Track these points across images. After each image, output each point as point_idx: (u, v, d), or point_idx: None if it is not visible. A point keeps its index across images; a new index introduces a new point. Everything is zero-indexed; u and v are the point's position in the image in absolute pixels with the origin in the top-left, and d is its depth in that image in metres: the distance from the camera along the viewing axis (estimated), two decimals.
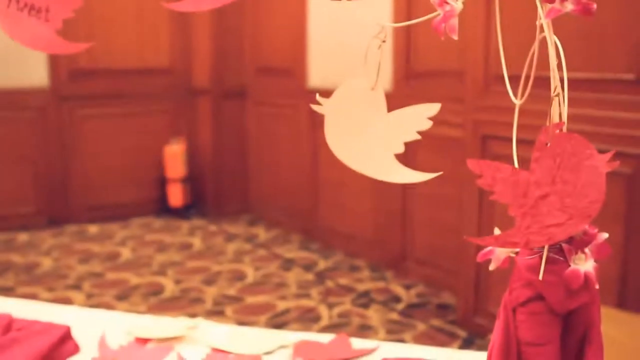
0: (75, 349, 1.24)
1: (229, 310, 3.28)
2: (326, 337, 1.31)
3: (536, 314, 0.82)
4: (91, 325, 1.34)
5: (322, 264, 4.02)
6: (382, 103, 0.90)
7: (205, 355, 1.23)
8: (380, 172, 0.91)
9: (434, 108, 0.89)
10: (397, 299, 3.54)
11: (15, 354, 1.14)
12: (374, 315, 3.32)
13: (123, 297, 3.45)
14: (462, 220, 3.12)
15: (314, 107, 0.89)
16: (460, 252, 3.16)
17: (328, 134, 0.90)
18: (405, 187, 3.71)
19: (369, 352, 1.24)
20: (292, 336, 1.30)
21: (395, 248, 3.87)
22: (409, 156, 3.48)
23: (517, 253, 0.85)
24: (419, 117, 0.89)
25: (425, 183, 3.07)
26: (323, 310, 3.34)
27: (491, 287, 3.03)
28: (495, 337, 0.85)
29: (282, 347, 1.26)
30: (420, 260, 3.78)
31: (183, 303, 3.37)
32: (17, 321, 1.27)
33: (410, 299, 3.54)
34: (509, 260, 0.86)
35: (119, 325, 1.34)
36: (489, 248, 0.87)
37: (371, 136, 0.90)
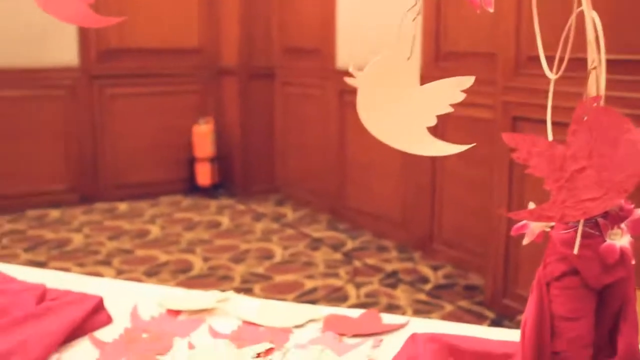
0: (108, 319, 1.26)
1: (257, 288, 3.30)
2: (356, 312, 1.31)
3: (570, 288, 0.81)
4: (123, 297, 1.35)
5: (349, 244, 4.03)
6: (416, 75, 0.90)
7: (236, 327, 1.24)
8: (412, 145, 0.90)
9: (467, 81, 0.88)
10: (425, 280, 3.53)
11: (49, 322, 1.16)
12: (401, 295, 3.32)
13: (152, 273, 3.49)
14: (491, 202, 3.11)
15: (347, 79, 0.89)
16: (489, 234, 3.14)
17: (360, 107, 0.89)
18: (434, 168, 3.70)
19: (398, 327, 1.24)
20: (322, 310, 1.31)
21: (422, 229, 3.86)
22: (438, 137, 3.43)
23: (551, 227, 0.84)
24: (453, 89, 0.88)
25: (454, 164, 3.06)
26: (351, 290, 3.35)
27: (520, 268, 3.01)
28: (529, 311, 0.84)
29: (312, 320, 1.26)
30: (447, 242, 3.77)
31: (211, 280, 3.39)
32: (50, 291, 1.29)
33: (437, 280, 3.53)
34: (543, 234, 0.86)
35: (150, 297, 1.36)
36: (523, 222, 0.86)
37: (404, 109, 0.89)
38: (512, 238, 3.00)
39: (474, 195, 3.53)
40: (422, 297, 3.34)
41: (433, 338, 1.10)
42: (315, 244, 4.03)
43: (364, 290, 3.38)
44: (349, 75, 0.87)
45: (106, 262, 3.66)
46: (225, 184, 5.11)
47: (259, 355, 1.12)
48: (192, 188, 5.05)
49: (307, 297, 3.22)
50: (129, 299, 1.34)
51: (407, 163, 3.85)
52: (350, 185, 4.39)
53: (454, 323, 1.31)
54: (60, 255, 3.78)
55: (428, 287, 3.47)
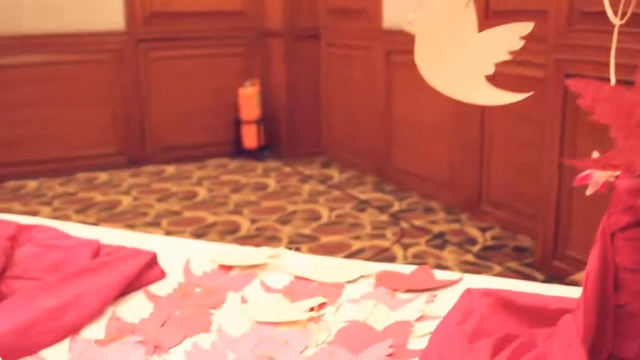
0: (161, 274, 1.27)
1: (304, 248, 3.31)
2: (408, 268, 1.30)
3: (635, 240, 0.79)
4: (175, 253, 1.36)
5: (396, 206, 4.01)
6: (474, 22, 0.87)
7: (288, 283, 1.24)
8: (470, 94, 0.88)
9: (526, 27, 0.85)
10: (473, 241, 3.50)
11: (104, 277, 1.18)
12: (449, 256, 3.30)
13: (200, 234, 3.52)
14: (541, 162, 3.05)
15: (404, 26, 0.86)
16: (539, 194, 3.09)
17: (417, 55, 0.87)
18: (483, 128, 3.64)
19: (452, 283, 1.22)
20: (373, 266, 1.30)
21: (470, 190, 3.82)
22: None
23: (616, 177, 0.81)
24: (511, 36, 0.86)
25: (503, 124, 2.99)
26: (398, 251, 3.34)
27: (572, 229, 2.96)
28: (592, 263, 0.82)
29: (364, 276, 1.26)
30: (496, 203, 3.72)
31: (259, 241, 3.41)
32: (105, 247, 1.30)
33: (485, 241, 3.49)
34: (608, 185, 0.83)
35: (202, 254, 1.36)
36: (587, 172, 0.83)
37: (462, 57, 0.87)
38: (563, 198, 2.95)
39: (523, 156, 3.47)
40: (470, 258, 3.31)
41: (488, 293, 1.09)
42: (362, 205, 4.02)
43: (411, 251, 3.36)
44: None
45: (155, 224, 3.71)
46: (271, 147, 5.12)
47: (312, 309, 1.11)
48: (238, 151, 5.06)
49: (354, 258, 3.22)
50: (181, 255, 1.35)
51: (456, 123, 3.80)
52: (396, 146, 4.36)
53: (508, 279, 1.29)
54: (110, 217, 3.84)
55: (476, 248, 3.44)
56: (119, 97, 4.78)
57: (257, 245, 1.46)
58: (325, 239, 3.48)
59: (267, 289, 1.23)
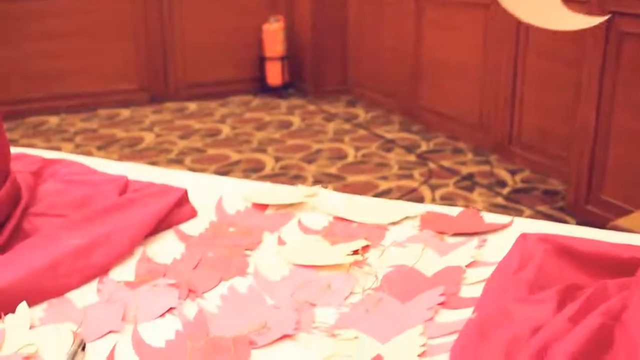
0: (193, 213, 1.20)
1: (329, 188, 3.24)
2: (454, 210, 1.22)
3: None
4: (206, 191, 1.29)
5: (423, 146, 3.91)
6: None
7: (326, 223, 1.17)
8: (549, 20, 0.78)
9: None
10: (502, 184, 3.41)
11: (132, 214, 1.11)
12: (478, 198, 3.22)
13: (224, 172, 3.46)
14: (577, 105, 2.93)
15: None
16: (574, 137, 2.98)
17: None
18: (515, 68, 3.51)
19: (502, 227, 1.14)
20: (417, 207, 1.22)
21: (500, 132, 3.71)
22: (521, 36, 3.20)
23: None
24: None
25: (537, 64, 2.84)
26: (426, 191, 3.26)
27: (607, 173, 2.86)
28: None
29: (408, 218, 1.18)
30: (526, 145, 3.61)
31: (284, 179, 3.35)
32: (132, 182, 1.23)
33: (515, 184, 3.40)
34: None
35: (234, 191, 1.29)
36: None
37: None
38: (600, 141, 2.84)
39: (556, 97, 3.35)
40: (500, 200, 3.23)
41: (545, 238, 1.00)
42: (388, 145, 3.93)
43: (439, 192, 3.28)
44: None
45: (178, 161, 3.65)
46: (296, 84, 5.01)
47: (354, 252, 1.04)
48: (262, 88, 4.96)
49: (382, 198, 3.15)
50: (212, 193, 1.28)
51: (487, 62, 3.67)
52: (425, 86, 4.23)
53: (562, 224, 1.21)
54: (132, 153, 3.78)
55: (506, 191, 3.36)
56: (142, 32, 4.67)
57: (282, 184, 1.38)
58: (351, 179, 3.40)
59: (305, 229, 1.15)
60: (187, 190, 1.20)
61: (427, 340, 0.83)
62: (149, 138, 4.04)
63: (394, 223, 1.16)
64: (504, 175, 3.52)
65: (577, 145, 2.95)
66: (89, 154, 3.70)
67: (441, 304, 0.91)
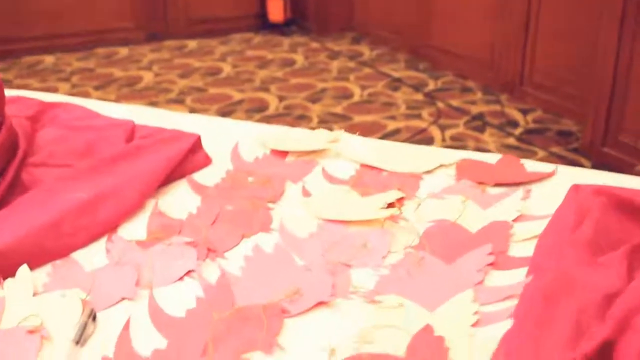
0: (207, 160, 1.09)
1: (336, 128, 3.13)
2: (492, 157, 1.12)
3: None
4: (219, 136, 1.18)
5: (431, 84, 3.78)
6: None
7: (354, 172, 1.07)
8: None
9: None
10: (514, 124, 3.30)
11: (142, 163, 1.00)
12: (489, 139, 3.11)
13: (226, 112, 3.34)
14: (595, 46, 2.80)
15: None
16: (592, 76, 2.86)
17: None
18: (530, 4, 3.36)
19: (546, 176, 1.04)
20: (452, 154, 1.12)
21: (511, 70, 3.58)
22: None
23: None
24: None
25: (553, 2, 2.59)
26: (435, 132, 3.15)
27: (626, 115, 2.74)
28: None
29: (442, 166, 1.08)
30: (539, 85, 3.49)
31: (288, 120, 3.23)
32: (140, 128, 1.12)
33: (527, 125, 3.29)
34: None
35: (250, 136, 1.18)
36: None
37: None
38: (619, 81, 2.72)
39: (573, 36, 3.21)
40: (512, 141, 3.12)
41: (600, 190, 0.91)
42: (395, 83, 3.80)
43: (449, 133, 3.18)
44: None
45: (178, 101, 3.52)
46: (298, 21, 4.84)
47: (389, 205, 0.94)
48: (263, 24, 4.79)
49: (390, 139, 3.04)
50: (226, 138, 1.17)
51: None
52: (432, 22, 4.08)
53: (608, 173, 1.11)
54: (131, 93, 3.65)
55: (518, 131, 3.25)
56: None
57: (288, 124, 1.26)
58: (358, 119, 3.29)
59: (331, 179, 1.05)
60: (200, 135, 1.10)
61: (480, 307, 0.74)
62: (147, 77, 3.90)
63: (428, 172, 1.06)
64: (516, 115, 3.41)
65: (595, 84, 2.83)
66: (86, 94, 3.57)
67: (490, 264, 0.82)
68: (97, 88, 3.74)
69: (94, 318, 0.72)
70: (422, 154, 1.11)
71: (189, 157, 1.05)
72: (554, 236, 0.83)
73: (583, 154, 2.97)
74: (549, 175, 1.05)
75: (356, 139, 1.18)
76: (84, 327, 0.70)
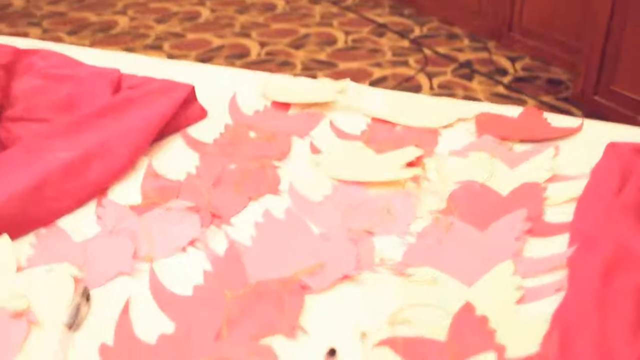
0: (202, 113, 0.99)
1: (320, 76, 3.02)
2: (511, 109, 1.04)
3: None
4: (213, 86, 1.08)
5: (417, 31, 3.66)
6: None
7: (365, 126, 0.97)
8: None
9: None
10: (502, 72, 3.21)
11: (131, 117, 0.90)
12: (478, 87, 3.02)
13: (206, 58, 3.21)
14: None
15: None
16: (582, 23, 2.77)
17: None
18: None
19: (573, 131, 0.96)
20: (469, 107, 1.03)
21: (500, 16, 3.47)
22: None
23: None
24: None
25: None
26: (423, 80, 3.05)
27: (619, 63, 2.66)
28: None
29: (461, 119, 0.99)
30: (528, 31, 3.39)
31: (271, 66, 3.11)
32: (127, 77, 1.01)
33: (516, 72, 3.20)
34: None
35: (248, 86, 1.08)
36: None
37: None
38: (615, 27, 2.63)
39: None
40: (501, 90, 3.03)
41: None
42: (380, 29, 3.67)
43: (437, 80, 3.08)
44: None
45: (156, 47, 3.37)
46: None
47: (409, 164, 0.85)
48: None
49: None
50: (221, 89, 1.07)
51: None
52: None
53: (632, 127, 1.03)
54: (106, 38, 3.49)
55: (506, 79, 3.16)
56: None
57: (269, 71, 1.15)
58: (343, 66, 3.17)
59: (340, 133, 0.96)
60: (194, 86, 0.99)
61: (522, 281, 0.66)
62: (122, 22, 3.74)
63: (445, 126, 0.97)
64: (504, 62, 3.31)
65: (588, 32, 2.74)
66: (58, 39, 3.40)
67: (527, 231, 0.74)
68: (70, 33, 3.57)
69: (88, 298, 0.63)
70: (436, 107, 1.02)
71: (183, 110, 0.95)
72: (595, 200, 0.75)
73: (574, 103, 2.90)
74: (576, 130, 0.96)
75: (364, 90, 1.09)
76: (77, 309, 0.61)
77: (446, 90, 2.99)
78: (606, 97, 2.73)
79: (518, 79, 3.13)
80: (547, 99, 2.95)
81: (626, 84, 2.65)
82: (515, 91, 3.01)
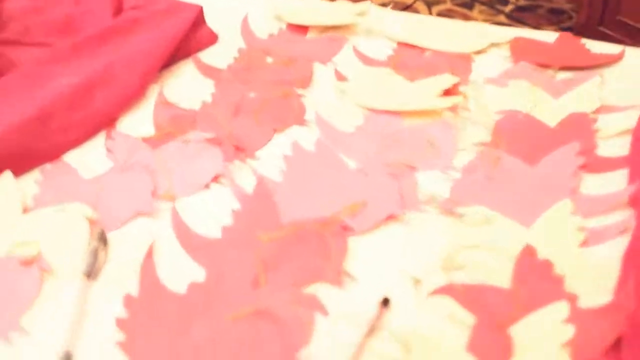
0: (212, 37, 0.91)
1: None
2: (546, 35, 0.96)
3: None
4: (224, 7, 0.99)
5: None
6: None
7: (391, 52, 0.89)
8: None
9: None
10: (504, 1, 3.10)
11: (138, 40, 0.81)
12: (478, 17, 2.91)
13: None
14: None
15: None
16: None
17: None
18: None
19: (615, 59, 0.88)
20: (501, 31, 0.95)
21: None
22: None
23: None
24: None
25: None
26: (422, 7, 2.94)
27: None
28: None
29: (494, 45, 0.91)
30: None
31: None
32: None
33: (517, 1, 3.10)
34: None
35: (261, 8, 0.99)
36: None
37: None
38: None
39: None
40: (502, 19, 2.93)
41: None
42: None
43: (435, 9, 2.97)
44: None
45: None
46: None
47: (446, 92, 0.78)
48: None
49: None
50: (230, 10, 0.98)
51: None
52: None
53: None
54: None
55: (508, 8, 3.05)
56: None
57: None
58: None
59: (365, 59, 0.88)
60: (201, 7, 0.90)
61: (583, 221, 0.60)
62: None
63: (479, 52, 0.89)
64: None
65: None
66: None
67: (582, 166, 0.67)
68: None
69: (105, 242, 0.56)
70: (465, 31, 0.94)
71: (192, 34, 0.86)
72: None
73: (578, 32, 2.80)
74: (618, 57, 0.89)
75: (387, 12, 1.00)
76: (94, 255, 0.54)
77: (446, 19, 2.87)
78: (612, 27, 2.64)
79: (519, 8, 3.02)
80: (550, 29, 2.85)
81: (634, 14, 2.55)
82: (516, 21, 2.91)
